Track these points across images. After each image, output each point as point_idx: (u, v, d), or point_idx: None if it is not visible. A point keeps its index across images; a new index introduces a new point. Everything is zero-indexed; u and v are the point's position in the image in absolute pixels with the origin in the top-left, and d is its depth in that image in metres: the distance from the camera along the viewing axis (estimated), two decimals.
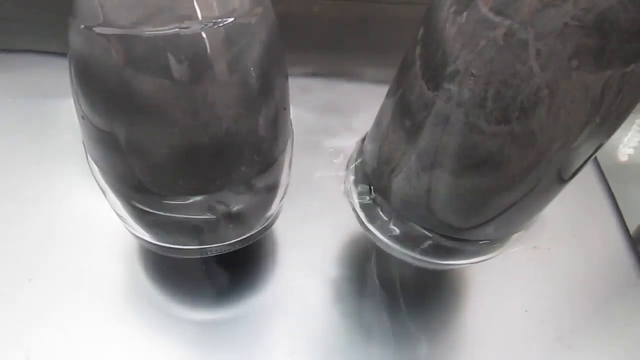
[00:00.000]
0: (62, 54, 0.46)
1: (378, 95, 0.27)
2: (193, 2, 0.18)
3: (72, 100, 0.23)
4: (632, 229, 0.38)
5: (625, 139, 0.47)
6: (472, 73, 0.19)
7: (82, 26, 0.19)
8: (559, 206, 0.29)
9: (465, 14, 0.19)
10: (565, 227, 0.38)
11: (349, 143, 0.32)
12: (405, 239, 0.28)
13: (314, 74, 0.48)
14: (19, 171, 0.38)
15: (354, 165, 0.31)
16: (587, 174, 0.41)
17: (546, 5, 0.16)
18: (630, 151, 0.46)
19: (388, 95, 0.26)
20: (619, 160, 0.46)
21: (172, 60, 0.19)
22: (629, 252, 0.36)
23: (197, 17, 0.18)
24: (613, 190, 0.40)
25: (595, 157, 0.41)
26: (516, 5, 0.17)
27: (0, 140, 0.40)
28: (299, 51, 0.48)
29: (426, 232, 0.27)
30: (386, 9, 0.46)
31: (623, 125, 0.42)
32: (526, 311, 0.33)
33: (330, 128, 0.43)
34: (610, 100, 0.18)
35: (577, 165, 0.22)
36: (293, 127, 0.28)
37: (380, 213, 0.29)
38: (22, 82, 0.45)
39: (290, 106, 0.26)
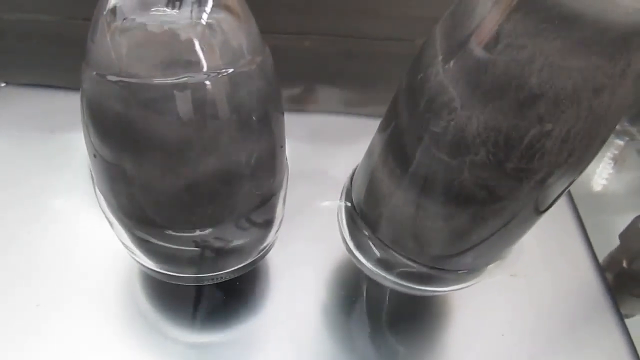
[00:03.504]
0: (63, 88, 0.47)
1: (369, 127, 0.29)
2: (199, 56, 0.20)
3: (77, 134, 0.24)
4: (601, 258, 0.40)
5: (598, 170, 0.49)
6: (453, 118, 0.20)
7: (95, 73, 0.21)
8: (536, 238, 0.31)
9: (452, 61, 0.20)
10: (541, 257, 0.39)
11: (340, 173, 0.34)
12: (388, 266, 0.29)
13: (305, 106, 0.50)
14: (27, 202, 0.39)
15: (345, 194, 0.32)
16: (561, 209, 0.43)
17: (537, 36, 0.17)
18: (604, 182, 0.48)
19: (379, 130, 0.27)
20: (591, 191, 0.47)
21: (178, 105, 0.20)
22: (598, 280, 0.38)
23: (203, 69, 0.20)
24: (584, 222, 0.42)
25: (570, 192, 0.43)
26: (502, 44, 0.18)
27: (9, 171, 0.41)
28: (290, 83, 0.49)
29: (408, 261, 0.28)
30: (373, 45, 0.47)
31: (596, 158, 0.44)
32: (502, 335, 0.35)
33: (321, 158, 0.44)
34: (580, 143, 0.20)
35: (552, 199, 0.24)
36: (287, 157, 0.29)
37: (367, 240, 0.30)
38: (26, 115, 0.45)
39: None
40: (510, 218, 0.24)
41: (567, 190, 0.23)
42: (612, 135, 0.50)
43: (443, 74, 0.21)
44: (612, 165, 0.49)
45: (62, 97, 0.47)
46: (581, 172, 0.22)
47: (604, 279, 0.38)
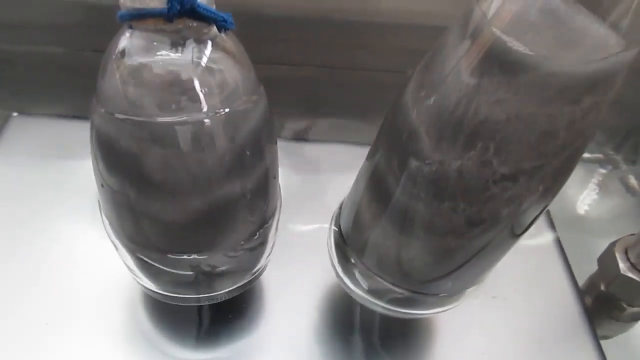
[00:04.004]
0: (72, 117, 0.48)
1: (364, 156, 0.29)
2: (200, 96, 0.21)
3: (84, 162, 0.25)
4: (580, 282, 0.41)
5: (581, 197, 0.50)
6: (426, 160, 0.22)
7: (104, 110, 0.22)
8: (517, 262, 0.32)
9: (423, 106, 0.21)
10: (522, 280, 0.40)
11: (333, 201, 0.34)
12: (374, 291, 0.30)
13: (302, 135, 0.51)
14: (36, 225, 0.40)
15: (334, 221, 0.33)
16: (542, 234, 0.44)
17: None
18: (586, 207, 0.49)
19: (367, 158, 0.28)
20: (574, 217, 0.48)
21: (179, 142, 0.22)
22: (576, 303, 0.39)
23: (203, 109, 0.21)
24: (567, 247, 0.43)
25: (551, 218, 0.45)
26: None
27: (20, 196, 0.42)
28: (287, 112, 0.51)
29: (392, 286, 0.29)
30: (366, 75, 0.49)
31: (580, 184, 0.45)
32: (483, 354, 0.36)
33: (316, 186, 0.45)
34: (548, 177, 0.21)
35: (527, 223, 0.24)
36: (279, 185, 0.31)
37: (354, 267, 0.31)
38: (36, 144, 0.46)
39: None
40: (487, 245, 0.25)
41: (542, 214, 0.24)
42: (596, 164, 0.52)
43: (416, 118, 0.22)
44: (596, 191, 0.51)
45: (71, 125, 0.48)
46: (553, 198, 0.23)
47: (582, 301, 0.39)
